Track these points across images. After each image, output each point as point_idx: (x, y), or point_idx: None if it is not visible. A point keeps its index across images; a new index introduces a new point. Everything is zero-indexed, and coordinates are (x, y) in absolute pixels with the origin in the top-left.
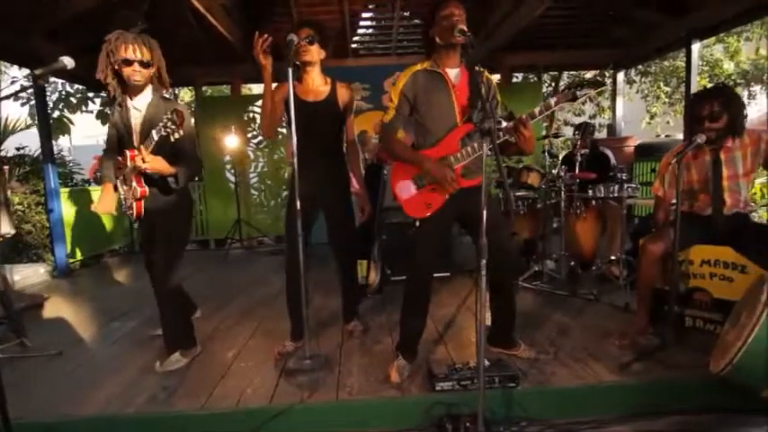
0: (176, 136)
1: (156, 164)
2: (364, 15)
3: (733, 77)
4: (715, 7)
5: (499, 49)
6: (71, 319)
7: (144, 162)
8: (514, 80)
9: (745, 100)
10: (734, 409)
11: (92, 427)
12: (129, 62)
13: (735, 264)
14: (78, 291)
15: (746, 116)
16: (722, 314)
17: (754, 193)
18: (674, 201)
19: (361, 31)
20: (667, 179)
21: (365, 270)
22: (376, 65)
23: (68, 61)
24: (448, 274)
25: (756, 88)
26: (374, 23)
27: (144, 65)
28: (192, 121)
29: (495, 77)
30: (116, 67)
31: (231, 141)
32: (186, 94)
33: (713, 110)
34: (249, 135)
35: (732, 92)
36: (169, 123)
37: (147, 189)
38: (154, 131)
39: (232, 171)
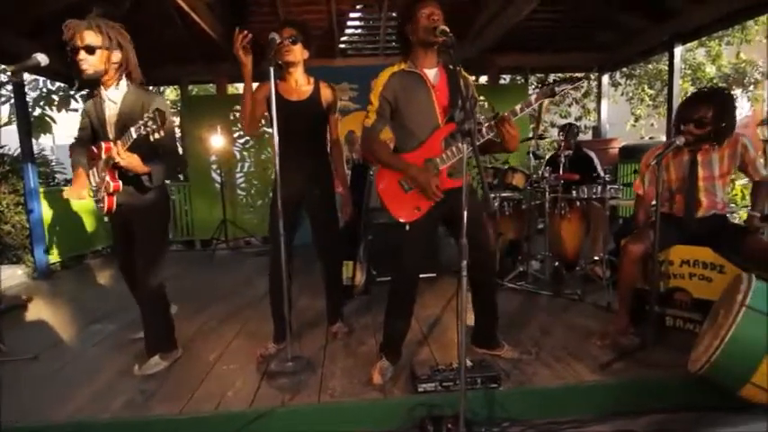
0: (156, 137)
1: (132, 161)
2: (352, 15)
3: (715, 81)
4: (696, 12)
5: (488, 50)
6: (50, 321)
7: (119, 157)
8: (502, 81)
9: None
10: (712, 407)
11: None
12: (76, 50)
13: (713, 264)
14: (58, 293)
15: (734, 127)
16: (702, 314)
17: (735, 195)
18: (655, 201)
19: (348, 31)
20: (648, 178)
21: (351, 271)
22: (364, 65)
23: (42, 58)
24: (434, 275)
25: (737, 92)
26: (362, 24)
27: (89, 50)
28: (178, 120)
29: (483, 78)
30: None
31: (217, 141)
32: (172, 93)
33: (703, 116)
34: (235, 135)
35: (729, 102)
36: (150, 123)
37: (120, 184)
38: (133, 129)
39: (218, 171)
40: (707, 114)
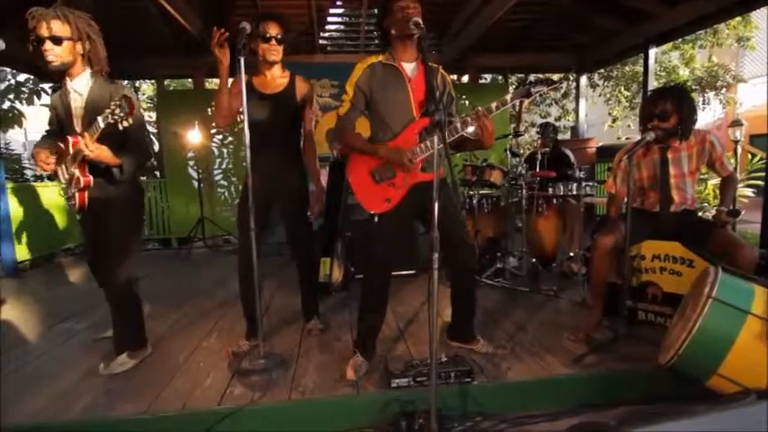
0: (125, 124)
1: (101, 153)
2: (332, 11)
3: (689, 83)
4: (669, 15)
5: (468, 50)
6: (15, 321)
7: (87, 149)
8: (482, 81)
9: (700, 105)
10: (679, 398)
11: None
12: (41, 40)
13: (683, 258)
14: (27, 292)
15: (696, 120)
16: (672, 308)
17: (708, 194)
18: (626, 199)
19: (329, 27)
20: (620, 176)
21: (328, 268)
22: (345, 61)
23: None
24: (413, 272)
25: (710, 94)
26: (342, 20)
27: (56, 41)
28: (154, 115)
29: (464, 78)
30: (32, 48)
31: (194, 137)
32: (149, 89)
33: (665, 109)
34: (213, 131)
35: (685, 94)
36: (117, 111)
37: (90, 179)
38: (100, 118)
39: (195, 168)
40: (666, 107)
